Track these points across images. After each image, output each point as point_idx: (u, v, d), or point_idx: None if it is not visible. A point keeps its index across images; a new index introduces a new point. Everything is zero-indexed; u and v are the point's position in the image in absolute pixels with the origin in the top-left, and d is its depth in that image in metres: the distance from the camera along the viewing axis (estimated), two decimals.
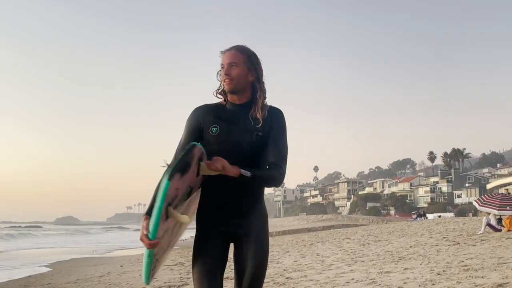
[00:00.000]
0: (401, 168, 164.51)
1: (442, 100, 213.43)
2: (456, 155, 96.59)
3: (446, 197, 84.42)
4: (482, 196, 14.63)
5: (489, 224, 13.04)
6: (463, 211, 64.31)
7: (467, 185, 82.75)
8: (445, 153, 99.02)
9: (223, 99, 2.42)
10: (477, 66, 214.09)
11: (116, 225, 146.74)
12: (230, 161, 2.11)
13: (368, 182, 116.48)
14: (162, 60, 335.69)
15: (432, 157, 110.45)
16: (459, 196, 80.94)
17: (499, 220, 13.05)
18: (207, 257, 2.23)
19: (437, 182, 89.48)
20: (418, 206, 79.57)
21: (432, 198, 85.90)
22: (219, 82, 2.43)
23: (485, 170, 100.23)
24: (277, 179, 2.19)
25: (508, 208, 12.65)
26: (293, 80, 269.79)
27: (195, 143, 2.20)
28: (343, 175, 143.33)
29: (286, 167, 2.26)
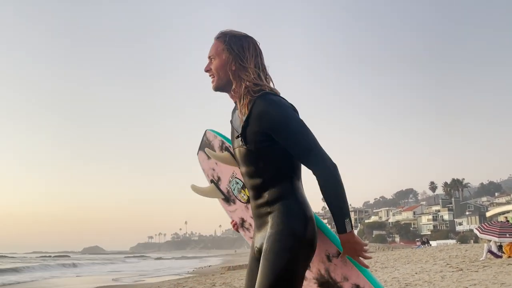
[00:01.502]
0: (404, 197, 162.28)
1: (441, 132, 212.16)
2: (456, 185, 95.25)
3: (448, 225, 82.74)
4: (483, 224, 14.31)
5: (490, 251, 12.71)
6: (465, 238, 62.78)
7: (467, 213, 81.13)
8: (445, 183, 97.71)
9: None
10: (474, 99, 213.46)
11: (138, 254, 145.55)
12: (242, 173, 1.89)
13: (374, 211, 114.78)
14: (169, 89, 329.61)
15: (433, 187, 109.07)
16: (460, 224, 79.26)
17: (500, 247, 12.72)
18: (247, 276, 1.92)
19: (439, 211, 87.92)
20: (421, 233, 77.92)
21: (434, 226, 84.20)
22: None
23: (484, 199, 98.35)
24: (332, 182, 1.66)
25: (507, 235, 12.35)
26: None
27: (210, 129, 2.38)
28: (350, 205, 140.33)
29: (321, 153, 1.69)
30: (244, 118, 1.77)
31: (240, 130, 1.80)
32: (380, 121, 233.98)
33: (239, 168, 1.92)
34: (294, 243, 1.66)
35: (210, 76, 1.88)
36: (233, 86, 1.83)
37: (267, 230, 1.75)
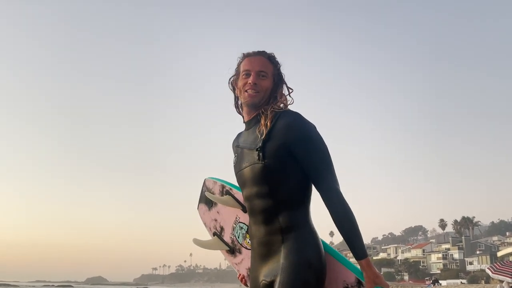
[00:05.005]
0: (413, 234, 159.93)
1: (452, 168, 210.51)
2: (466, 223, 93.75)
3: (458, 264, 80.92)
4: (495, 264, 13.95)
5: None
6: (476, 278, 61.21)
7: (478, 252, 79.42)
8: (455, 221, 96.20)
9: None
10: (485, 137, 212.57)
11: (142, 286, 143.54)
12: (247, 196, 1.80)
13: (382, 247, 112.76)
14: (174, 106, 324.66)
15: (442, 224, 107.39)
16: (470, 263, 77.46)
17: None
18: None
19: (449, 249, 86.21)
20: (431, 272, 76.25)
21: (444, 265, 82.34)
22: (234, 92, 1.94)
23: (495, 238, 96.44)
24: (344, 212, 1.64)
25: None
26: None
27: (208, 177, 2.37)
28: None
29: (336, 177, 1.70)
30: (266, 132, 1.72)
31: (255, 146, 1.75)
32: (388, 155, 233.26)
33: (244, 191, 1.84)
34: (311, 276, 1.62)
35: (253, 90, 1.81)
36: (265, 107, 1.82)
37: (280, 261, 1.65)
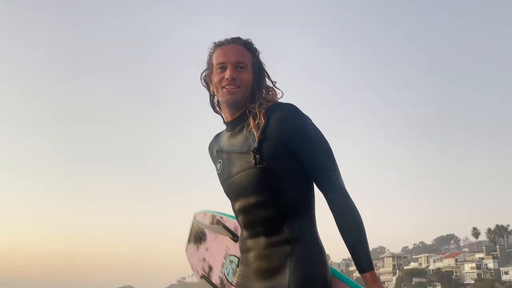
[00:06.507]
0: (445, 243, 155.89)
1: (484, 175, 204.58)
2: (500, 231, 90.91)
3: (493, 274, 78.32)
4: None
5: None
6: None
7: None
8: (489, 229, 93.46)
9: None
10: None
11: None
12: (243, 208, 1.55)
13: (413, 257, 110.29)
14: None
15: (476, 233, 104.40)
16: (506, 273, 74.91)
17: None
18: None
19: (483, 258, 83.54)
20: (465, 282, 74.09)
21: (478, 275, 79.78)
22: (208, 89, 1.68)
23: None
24: (352, 219, 1.45)
25: None
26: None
27: (198, 211, 2.31)
28: (388, 250, 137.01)
29: (341, 176, 1.50)
30: (261, 130, 1.48)
31: (248, 148, 1.51)
32: (417, 162, 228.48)
33: (237, 203, 1.58)
34: None
35: (232, 86, 1.55)
36: (247, 104, 1.59)
37: (285, 276, 1.43)
